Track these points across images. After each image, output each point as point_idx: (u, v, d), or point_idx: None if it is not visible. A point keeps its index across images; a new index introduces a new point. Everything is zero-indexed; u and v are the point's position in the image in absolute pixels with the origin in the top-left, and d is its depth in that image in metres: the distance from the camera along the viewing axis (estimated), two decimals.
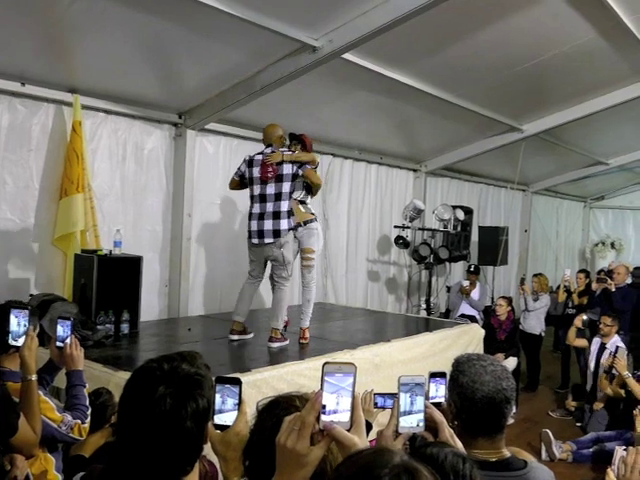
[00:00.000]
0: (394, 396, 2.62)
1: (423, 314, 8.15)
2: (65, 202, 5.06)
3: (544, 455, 5.59)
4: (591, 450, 5.59)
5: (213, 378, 1.48)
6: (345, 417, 1.15)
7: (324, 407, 1.14)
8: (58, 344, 2.75)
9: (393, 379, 1.63)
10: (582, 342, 6.99)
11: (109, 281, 4.91)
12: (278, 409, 1.49)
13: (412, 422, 1.56)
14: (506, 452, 1.94)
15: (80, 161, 5.06)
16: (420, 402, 1.56)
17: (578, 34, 5.41)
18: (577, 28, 5.29)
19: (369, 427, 2.81)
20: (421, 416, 1.57)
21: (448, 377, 1.97)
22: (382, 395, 2.73)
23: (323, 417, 1.14)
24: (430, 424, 1.60)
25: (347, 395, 1.16)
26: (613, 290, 7.39)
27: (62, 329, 2.74)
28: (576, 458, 5.60)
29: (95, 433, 2.92)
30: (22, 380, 2.56)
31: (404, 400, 1.56)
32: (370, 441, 2.52)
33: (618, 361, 5.76)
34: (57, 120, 5.18)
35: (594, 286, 7.95)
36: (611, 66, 6.31)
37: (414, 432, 1.57)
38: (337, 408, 1.15)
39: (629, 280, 8.28)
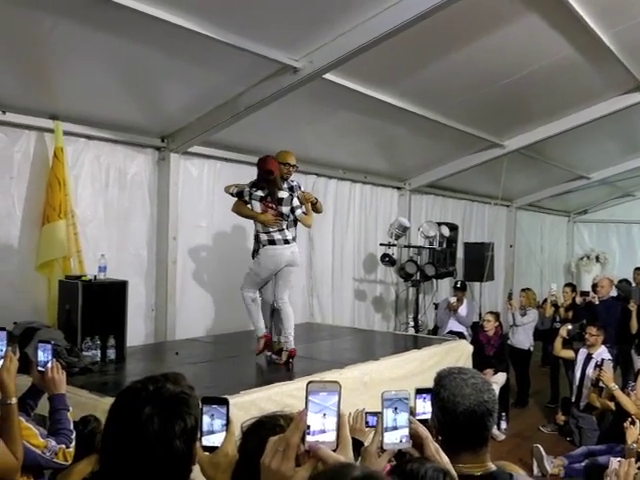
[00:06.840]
0: None
1: (411, 332, 8.11)
2: (47, 229, 5.03)
3: (536, 470, 5.56)
4: (583, 464, 5.57)
5: (199, 399, 1.47)
6: (331, 437, 1.12)
7: (309, 427, 1.11)
8: (39, 369, 2.71)
9: None
10: (568, 353, 7.00)
11: (94, 307, 4.85)
12: (263, 429, 1.47)
13: (396, 438, 1.52)
14: (491, 465, 1.91)
15: (62, 187, 5.04)
16: (404, 417, 1.53)
17: (555, 50, 5.48)
18: (554, 44, 5.36)
19: (361, 446, 2.77)
20: (405, 432, 1.54)
21: None
22: (374, 414, 2.69)
23: (308, 437, 1.11)
24: (416, 440, 1.58)
25: (332, 414, 1.13)
26: (597, 303, 7.43)
27: (42, 353, 2.71)
28: (568, 472, 5.57)
29: (82, 461, 2.87)
30: (1, 404, 2.47)
31: (387, 416, 1.53)
32: None
33: (604, 373, 5.75)
34: (39, 147, 5.15)
35: (578, 300, 8.02)
36: (589, 81, 6.39)
37: (399, 448, 1.55)
38: (323, 428, 1.12)
39: (614, 293, 8.34)
